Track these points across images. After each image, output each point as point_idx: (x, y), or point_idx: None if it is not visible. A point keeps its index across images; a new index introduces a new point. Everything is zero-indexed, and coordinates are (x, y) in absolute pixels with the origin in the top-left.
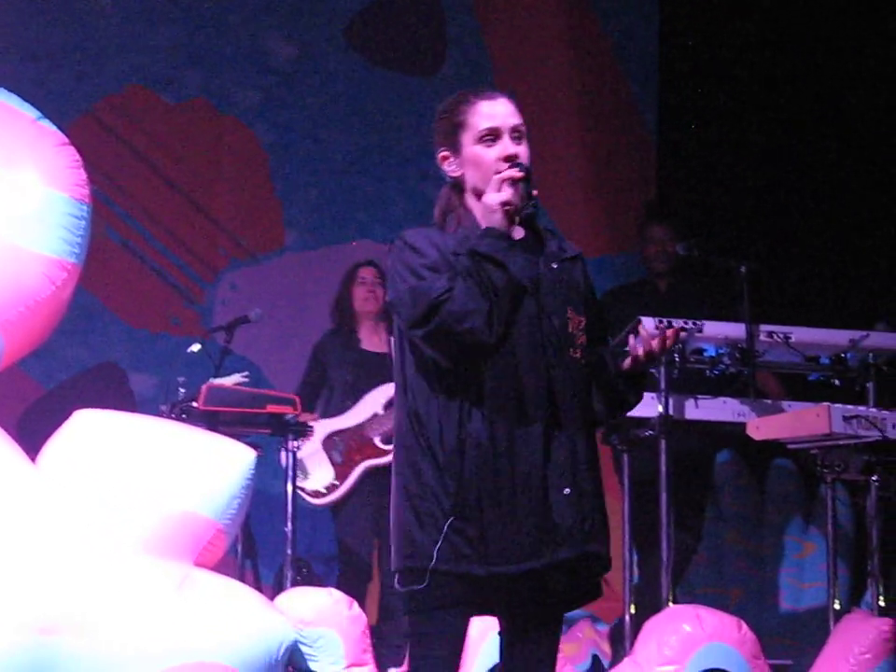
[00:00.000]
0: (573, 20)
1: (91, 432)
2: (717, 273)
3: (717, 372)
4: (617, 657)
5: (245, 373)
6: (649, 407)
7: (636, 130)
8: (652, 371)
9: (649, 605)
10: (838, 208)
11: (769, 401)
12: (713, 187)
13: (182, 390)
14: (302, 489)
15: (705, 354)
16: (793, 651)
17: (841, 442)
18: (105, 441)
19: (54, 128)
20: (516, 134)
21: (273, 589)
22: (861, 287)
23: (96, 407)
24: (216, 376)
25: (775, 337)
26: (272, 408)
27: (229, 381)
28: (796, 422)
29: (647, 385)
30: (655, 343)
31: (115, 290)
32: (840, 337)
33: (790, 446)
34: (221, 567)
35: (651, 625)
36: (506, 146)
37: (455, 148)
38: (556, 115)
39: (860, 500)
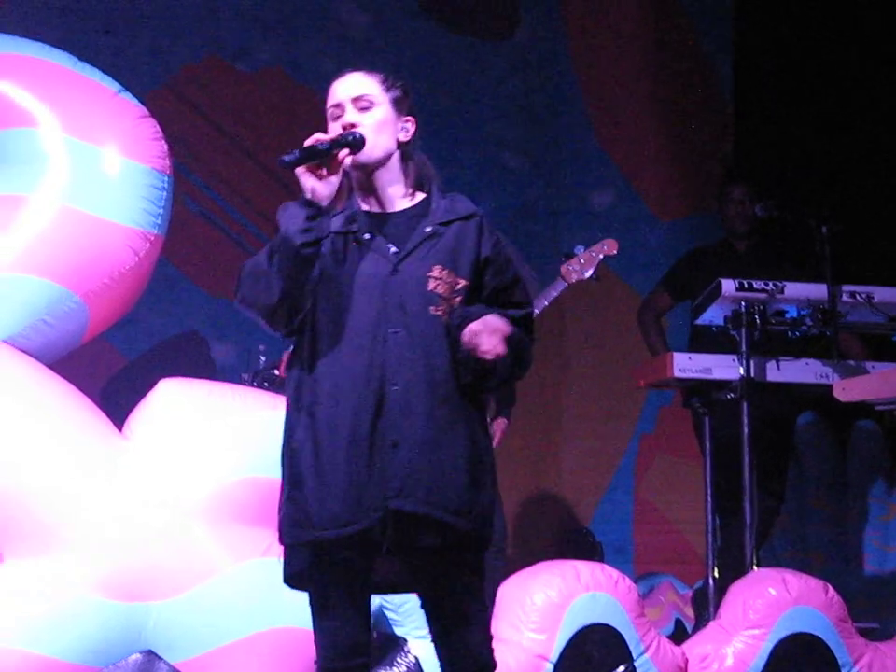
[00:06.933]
0: None
1: (176, 401)
2: (797, 233)
3: (799, 334)
4: (700, 621)
5: None
6: (730, 369)
7: (711, 88)
8: (733, 333)
9: (732, 568)
10: None
11: (852, 362)
12: (792, 145)
13: (263, 358)
14: None
15: (786, 315)
16: (879, 613)
17: None
18: (191, 410)
19: (135, 101)
20: (361, 105)
21: None
22: None
23: (179, 376)
24: None
25: (857, 297)
26: None
27: None
28: (884, 382)
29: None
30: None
31: (195, 260)
32: None
33: (877, 407)
34: None
35: (736, 589)
36: (345, 117)
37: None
38: (631, 76)
39: None
